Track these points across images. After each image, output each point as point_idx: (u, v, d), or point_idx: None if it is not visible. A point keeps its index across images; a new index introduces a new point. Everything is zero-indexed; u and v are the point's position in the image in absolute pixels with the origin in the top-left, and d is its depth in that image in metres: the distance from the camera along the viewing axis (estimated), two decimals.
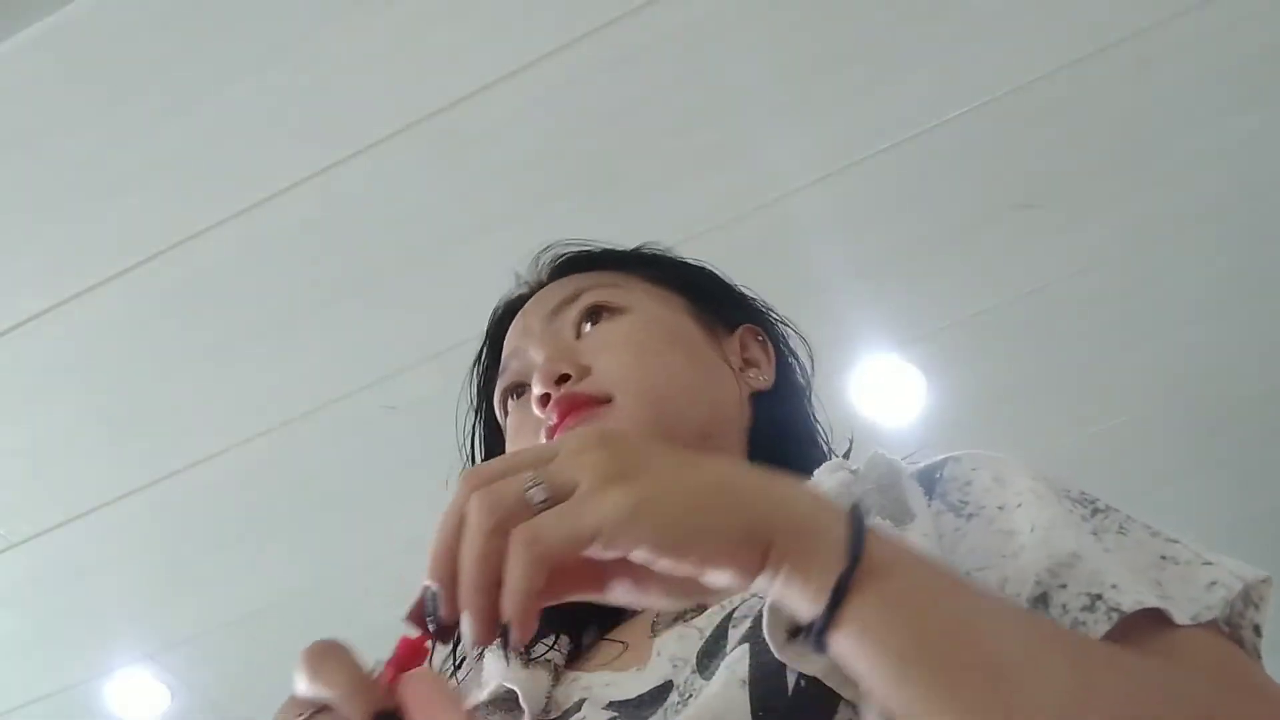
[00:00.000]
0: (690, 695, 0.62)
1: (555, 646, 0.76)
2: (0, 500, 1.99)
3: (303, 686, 0.51)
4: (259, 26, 1.51)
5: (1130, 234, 1.85)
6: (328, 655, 0.50)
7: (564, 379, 0.78)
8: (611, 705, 0.67)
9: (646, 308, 0.84)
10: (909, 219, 1.79)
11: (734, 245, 1.73)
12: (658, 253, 0.91)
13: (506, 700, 0.71)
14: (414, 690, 0.50)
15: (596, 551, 0.49)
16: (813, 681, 0.55)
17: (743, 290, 0.91)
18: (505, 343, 0.87)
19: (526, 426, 0.81)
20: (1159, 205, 1.80)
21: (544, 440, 0.77)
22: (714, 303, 0.86)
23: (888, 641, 0.50)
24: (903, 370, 1.98)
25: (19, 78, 1.52)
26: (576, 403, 0.76)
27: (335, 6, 1.50)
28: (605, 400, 0.77)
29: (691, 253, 0.92)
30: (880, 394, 1.98)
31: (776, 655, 0.55)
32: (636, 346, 0.79)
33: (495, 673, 0.72)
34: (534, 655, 0.74)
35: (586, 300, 0.84)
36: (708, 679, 0.61)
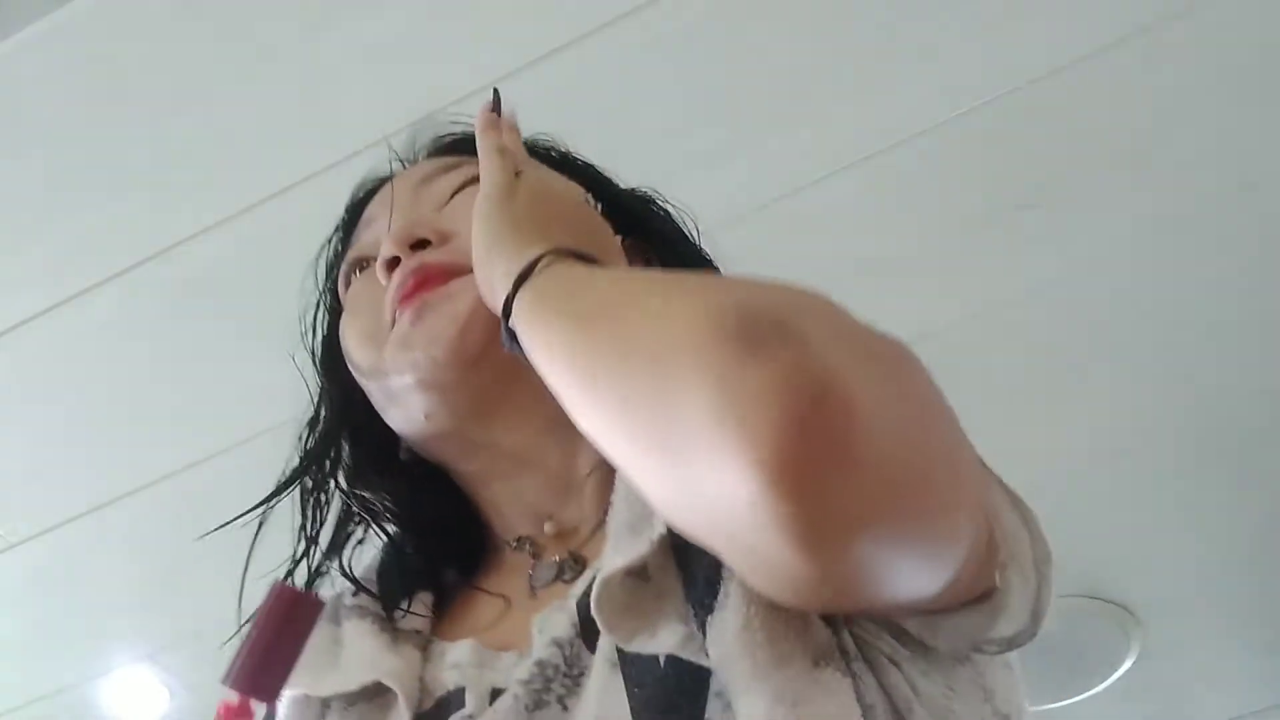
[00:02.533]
0: (581, 673, 0.59)
1: (419, 613, 0.68)
2: None
3: None
4: (258, 27, 1.50)
5: (1130, 234, 1.84)
6: None
7: (421, 245, 0.70)
8: (497, 694, 0.61)
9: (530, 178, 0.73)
10: (907, 219, 1.79)
11: (731, 246, 1.73)
12: (554, 145, 0.85)
13: (373, 689, 0.64)
14: None
15: None
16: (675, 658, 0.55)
17: (647, 202, 0.85)
18: (363, 215, 0.79)
19: (366, 297, 0.73)
20: (1159, 205, 1.80)
21: (388, 313, 0.69)
22: (608, 203, 0.79)
23: (541, 321, 0.55)
24: None
25: (19, 78, 1.52)
26: (430, 273, 0.69)
27: (335, 6, 1.50)
28: (460, 273, 0.68)
29: None
30: None
31: (626, 645, 0.55)
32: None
33: (361, 659, 0.65)
34: (400, 625, 0.67)
35: (468, 170, 0.75)
36: (596, 653, 0.59)
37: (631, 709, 0.53)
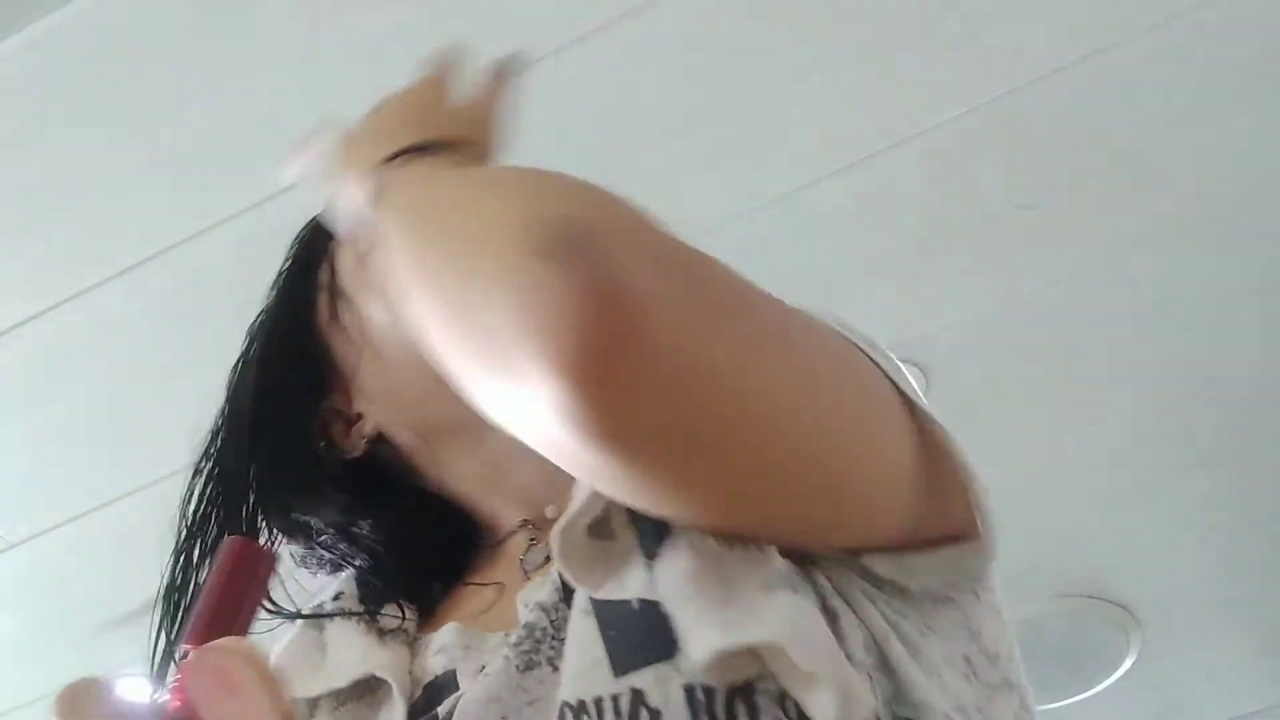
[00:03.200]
0: (565, 635, 0.59)
1: (405, 618, 0.68)
2: None
3: None
4: (258, 27, 1.50)
5: (1129, 234, 1.85)
6: (78, 697, 0.46)
7: None
8: (486, 671, 0.60)
9: None
10: (908, 219, 1.79)
11: (731, 246, 1.72)
12: None
13: (363, 686, 0.64)
14: (195, 684, 0.44)
15: None
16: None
17: None
18: None
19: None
20: (1158, 205, 1.80)
21: None
22: None
23: (390, 225, 0.59)
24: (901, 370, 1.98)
25: (19, 78, 1.52)
26: None
27: (335, 6, 1.50)
28: None
29: None
30: None
31: (596, 594, 0.56)
32: None
33: (351, 656, 0.65)
34: (386, 627, 0.67)
35: None
36: (573, 609, 0.59)
37: (608, 651, 0.54)
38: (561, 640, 0.58)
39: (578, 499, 0.58)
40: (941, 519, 0.58)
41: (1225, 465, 2.26)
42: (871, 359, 0.58)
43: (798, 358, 0.53)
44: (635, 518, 0.57)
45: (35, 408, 1.87)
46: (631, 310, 0.46)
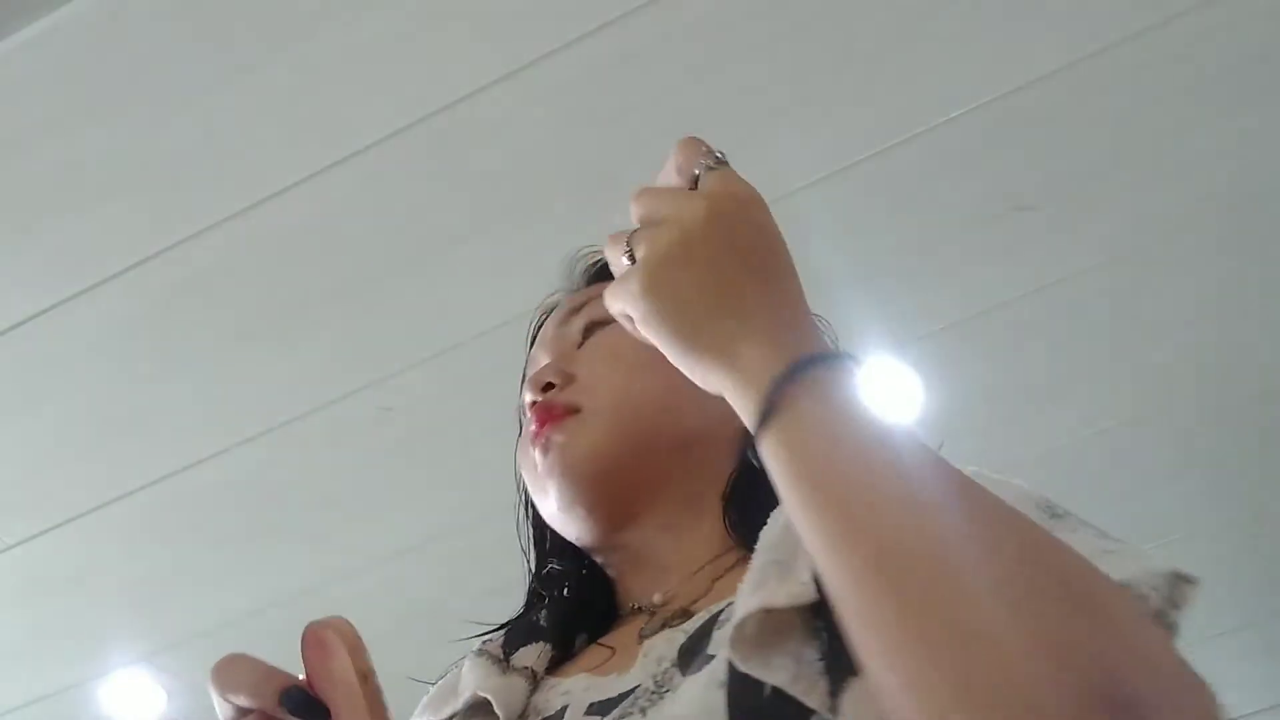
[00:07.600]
0: (668, 690, 0.63)
1: (533, 658, 0.77)
2: None
3: (218, 702, 0.59)
4: (258, 27, 1.51)
5: (1129, 234, 1.85)
6: (231, 664, 0.59)
7: (548, 387, 0.82)
8: (592, 707, 0.68)
9: None
10: (907, 220, 1.79)
11: None
12: None
13: (481, 708, 0.72)
14: (308, 654, 0.59)
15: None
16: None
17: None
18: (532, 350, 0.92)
19: (525, 435, 0.84)
20: (1158, 205, 1.80)
21: (534, 451, 0.81)
22: None
23: (801, 455, 0.56)
24: (899, 372, 1.98)
25: (19, 78, 1.52)
26: (551, 413, 0.81)
27: (334, 7, 1.50)
28: (574, 411, 0.80)
29: None
30: (877, 396, 1.98)
31: (741, 665, 0.57)
32: (616, 360, 0.83)
33: (470, 682, 0.74)
34: (513, 664, 0.75)
35: (587, 315, 0.87)
36: (687, 675, 0.63)
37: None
38: (660, 694, 0.63)
39: (760, 579, 0.59)
40: None
41: (1224, 466, 2.26)
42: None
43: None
44: (819, 611, 0.56)
45: (35, 408, 1.87)
46: None
